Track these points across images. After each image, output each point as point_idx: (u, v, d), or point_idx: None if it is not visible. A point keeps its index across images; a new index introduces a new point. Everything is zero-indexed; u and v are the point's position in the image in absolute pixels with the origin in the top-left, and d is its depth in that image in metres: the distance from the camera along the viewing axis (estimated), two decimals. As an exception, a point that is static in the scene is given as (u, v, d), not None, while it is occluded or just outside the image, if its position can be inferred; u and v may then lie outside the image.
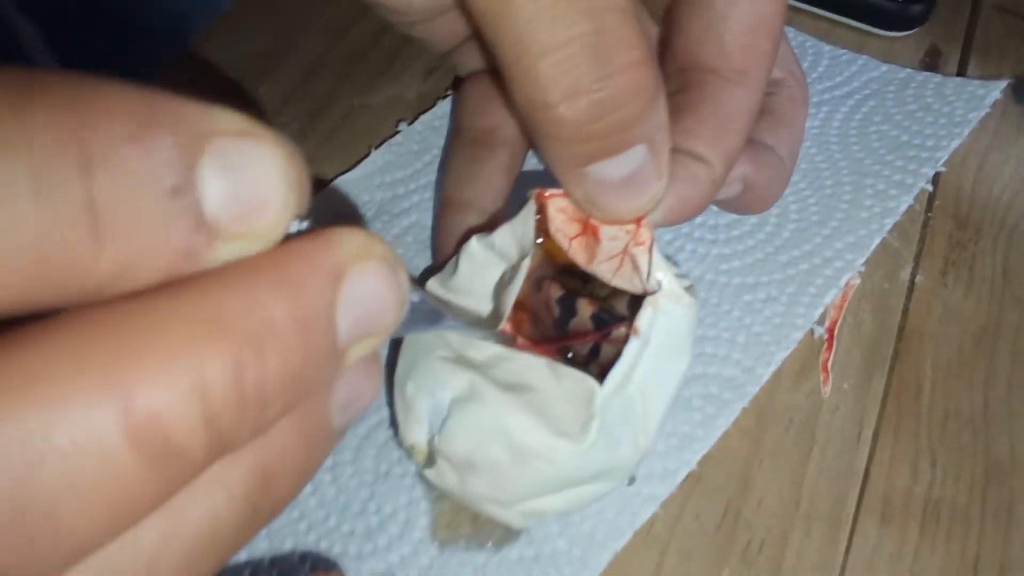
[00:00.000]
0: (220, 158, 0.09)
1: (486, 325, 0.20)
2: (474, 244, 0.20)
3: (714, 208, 0.26)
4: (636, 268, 0.19)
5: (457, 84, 0.28)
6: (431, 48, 0.27)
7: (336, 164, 0.29)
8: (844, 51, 0.30)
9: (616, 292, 0.20)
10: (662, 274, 0.18)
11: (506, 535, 0.22)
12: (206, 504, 0.10)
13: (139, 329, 0.09)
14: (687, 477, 0.22)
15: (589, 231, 0.19)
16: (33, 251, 0.08)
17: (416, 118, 0.30)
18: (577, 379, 0.18)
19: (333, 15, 0.34)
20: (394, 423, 0.23)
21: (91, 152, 0.08)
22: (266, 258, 0.10)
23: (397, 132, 0.29)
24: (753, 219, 0.26)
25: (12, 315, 0.09)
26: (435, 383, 0.19)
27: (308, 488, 0.23)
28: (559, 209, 0.19)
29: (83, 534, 0.09)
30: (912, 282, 0.26)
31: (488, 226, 0.21)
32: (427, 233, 0.27)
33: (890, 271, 0.26)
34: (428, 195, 0.28)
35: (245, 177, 0.09)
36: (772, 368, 0.23)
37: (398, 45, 0.33)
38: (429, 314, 0.15)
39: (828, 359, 0.24)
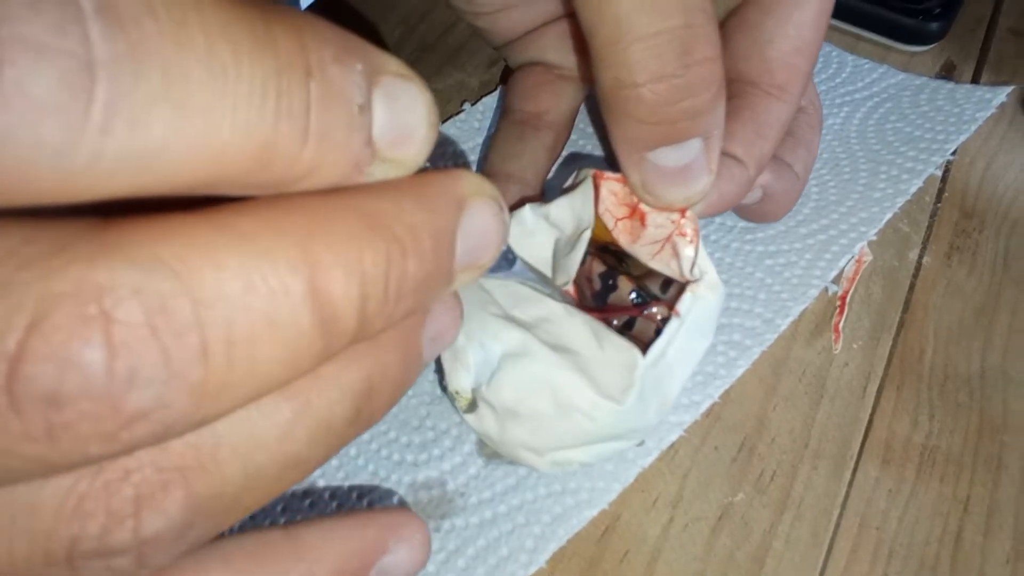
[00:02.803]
0: (387, 90, 0.11)
1: (547, 284, 0.23)
2: (527, 211, 0.23)
3: (749, 220, 0.29)
4: (676, 255, 0.21)
5: (507, 75, 0.32)
6: (490, 40, 0.31)
7: (404, 136, 0.32)
8: (866, 60, 0.34)
9: (650, 273, 0.22)
10: (705, 266, 0.21)
11: (545, 454, 0.24)
12: (328, 396, 0.11)
13: (322, 216, 0.10)
14: (708, 414, 0.25)
15: (637, 215, 0.22)
16: (263, 139, 0.09)
17: (479, 99, 0.33)
18: (621, 347, 0.20)
19: (407, 10, 0.38)
20: (439, 369, 0.25)
21: (311, 66, 0.10)
22: (408, 180, 0.11)
23: (461, 111, 0.33)
24: (777, 198, 0.29)
25: (222, 193, 0.10)
26: (486, 336, 0.21)
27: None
28: (611, 191, 0.22)
29: (260, 373, 0.10)
30: (920, 262, 0.29)
31: (527, 200, 0.23)
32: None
33: (900, 251, 0.29)
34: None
35: (402, 110, 0.11)
36: (789, 320, 0.26)
37: (464, 40, 0.37)
38: (509, 263, 0.18)
39: (839, 322, 0.27)
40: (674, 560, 0.23)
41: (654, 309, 0.21)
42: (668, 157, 0.19)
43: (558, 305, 0.21)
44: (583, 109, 0.32)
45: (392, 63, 0.11)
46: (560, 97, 0.28)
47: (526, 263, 0.23)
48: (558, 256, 0.23)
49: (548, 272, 0.23)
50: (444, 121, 0.33)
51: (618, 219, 0.22)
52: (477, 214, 0.12)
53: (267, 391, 0.10)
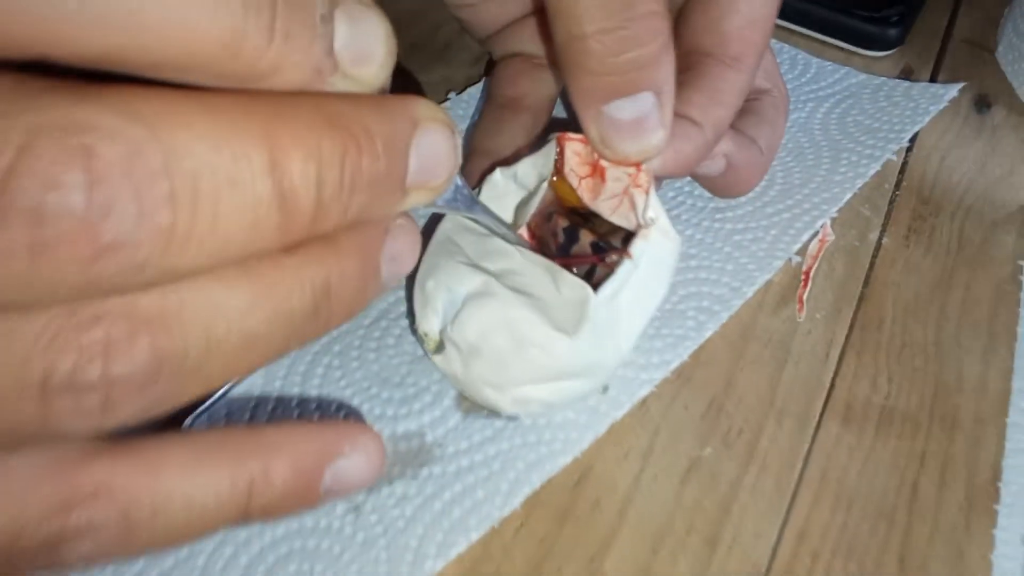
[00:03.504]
0: (349, 12, 0.12)
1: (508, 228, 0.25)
2: (497, 174, 0.24)
3: (714, 194, 0.30)
4: (633, 207, 0.23)
5: (490, 67, 0.33)
6: (474, 33, 0.33)
7: (393, 123, 0.34)
8: (830, 62, 0.36)
9: (613, 230, 0.24)
10: (655, 212, 0.22)
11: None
12: (287, 285, 0.12)
13: (287, 106, 0.11)
14: (679, 375, 0.26)
15: (597, 173, 0.23)
16: (231, 28, 0.10)
17: (463, 90, 0.35)
18: (575, 286, 0.21)
19: (400, 11, 0.40)
20: (411, 315, 0.27)
21: None
22: (367, 95, 0.13)
23: (447, 99, 0.35)
24: (745, 181, 0.31)
25: (193, 81, 0.11)
26: (453, 281, 0.23)
27: (354, 364, 0.26)
28: (575, 152, 0.23)
29: (222, 232, 0.11)
30: (879, 242, 0.30)
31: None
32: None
33: (861, 233, 0.31)
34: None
35: (362, 32, 0.12)
36: (755, 288, 0.27)
37: (451, 39, 0.39)
38: (467, 200, 0.19)
39: (803, 294, 0.28)
40: (644, 508, 0.24)
41: (613, 257, 0.22)
42: (622, 110, 0.21)
43: (521, 253, 0.23)
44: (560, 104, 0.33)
45: None
46: (538, 83, 0.30)
47: (487, 209, 0.25)
48: (517, 211, 0.24)
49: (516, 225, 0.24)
50: (431, 108, 0.34)
51: (581, 177, 0.23)
52: (430, 134, 0.13)
53: (229, 256, 0.11)
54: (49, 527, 0.12)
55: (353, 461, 0.15)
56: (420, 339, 0.24)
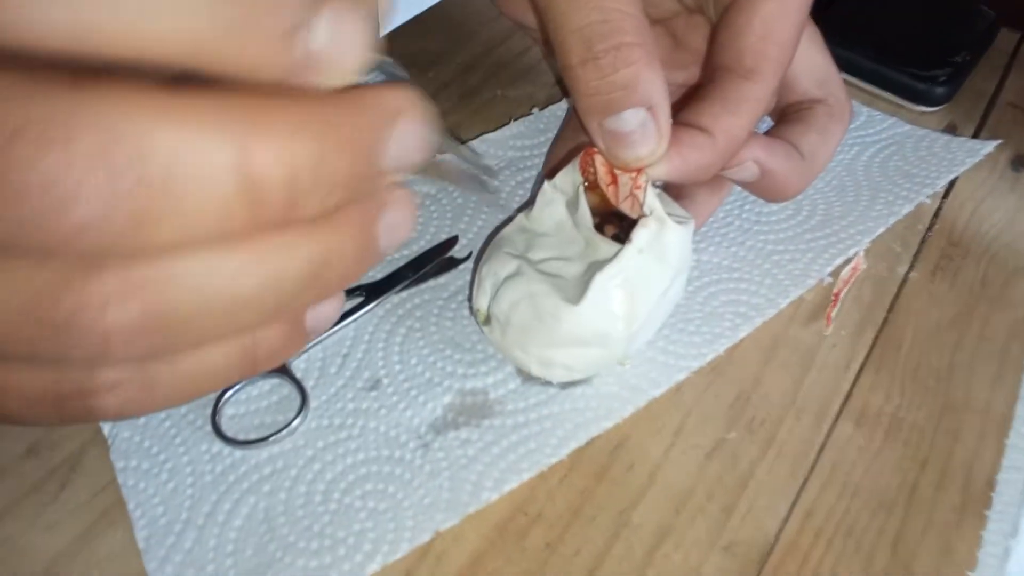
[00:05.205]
0: (330, 10, 0.12)
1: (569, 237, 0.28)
2: (547, 185, 0.29)
3: (759, 199, 0.34)
4: (637, 204, 0.26)
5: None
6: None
7: (479, 128, 0.39)
8: (879, 112, 0.39)
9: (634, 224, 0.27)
10: (652, 205, 0.26)
11: (571, 383, 0.29)
12: (280, 256, 0.13)
13: (260, 106, 0.12)
14: (713, 369, 0.30)
15: (615, 180, 0.27)
16: (196, 34, 0.11)
17: (546, 107, 0.39)
18: (590, 269, 0.26)
19: (490, 33, 0.45)
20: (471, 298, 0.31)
21: None
22: (345, 91, 0.13)
23: (530, 113, 0.39)
24: (789, 210, 0.34)
25: (183, 73, 0.11)
26: (498, 267, 0.27)
27: (432, 328, 0.31)
28: (601, 163, 0.27)
29: (191, 218, 0.11)
30: (907, 276, 0.34)
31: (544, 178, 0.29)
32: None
33: (891, 265, 0.34)
34: (542, 160, 0.37)
35: (341, 30, 0.12)
36: (788, 300, 0.31)
37: (535, 61, 0.43)
38: (467, 172, 0.22)
39: (832, 311, 0.32)
40: (671, 475, 0.27)
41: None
42: (616, 123, 0.24)
43: (566, 252, 0.27)
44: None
45: None
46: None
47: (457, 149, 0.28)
48: (570, 209, 0.28)
49: (568, 225, 0.28)
50: (516, 119, 0.39)
51: (607, 184, 0.27)
52: (406, 124, 0.14)
53: (204, 236, 0.12)
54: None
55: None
56: (474, 314, 0.29)
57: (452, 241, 0.34)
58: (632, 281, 0.26)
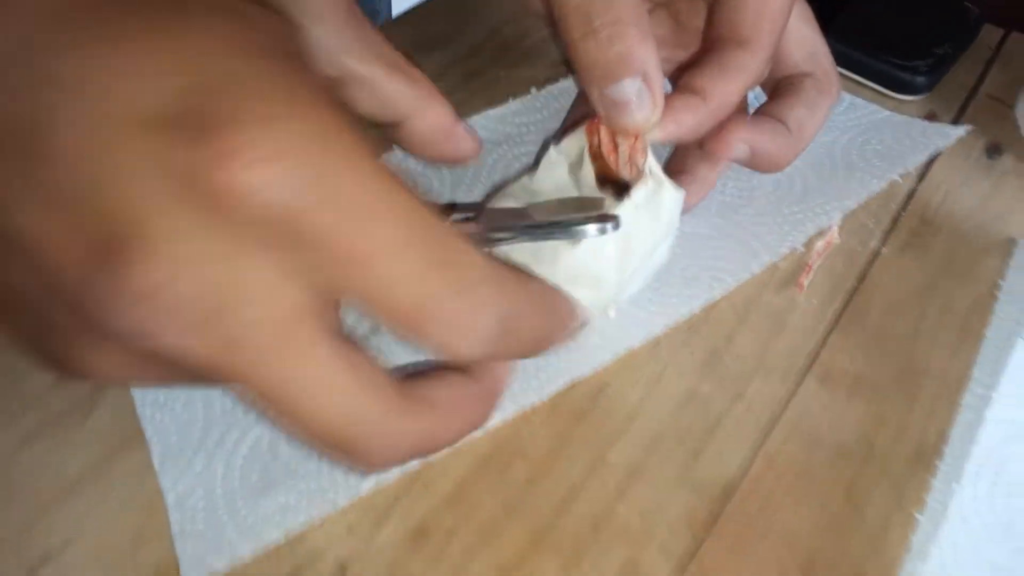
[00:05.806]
0: None
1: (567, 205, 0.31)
2: (552, 151, 0.31)
3: (743, 176, 0.36)
4: (636, 169, 0.29)
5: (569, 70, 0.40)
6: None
7: (481, 106, 0.41)
8: (862, 99, 0.41)
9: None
10: (651, 166, 0.28)
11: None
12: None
13: None
14: (689, 327, 0.32)
15: (615, 148, 0.30)
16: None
17: (543, 87, 0.42)
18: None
19: (493, 16, 0.47)
20: None
21: None
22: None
23: (529, 93, 0.41)
24: (768, 185, 0.36)
25: None
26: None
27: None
28: (605, 132, 0.29)
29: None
30: (879, 250, 0.36)
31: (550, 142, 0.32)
32: (532, 157, 0.38)
33: (863, 241, 0.36)
34: (538, 136, 0.39)
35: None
36: (762, 266, 0.33)
37: (537, 44, 0.45)
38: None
39: (804, 279, 0.34)
40: (645, 421, 0.29)
41: None
42: (615, 92, 0.27)
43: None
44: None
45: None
46: None
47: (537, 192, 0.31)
48: (572, 173, 0.31)
49: (568, 187, 0.31)
50: (515, 98, 0.41)
51: (609, 152, 0.29)
52: None
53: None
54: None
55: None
56: None
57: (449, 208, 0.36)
58: (627, 232, 0.28)
